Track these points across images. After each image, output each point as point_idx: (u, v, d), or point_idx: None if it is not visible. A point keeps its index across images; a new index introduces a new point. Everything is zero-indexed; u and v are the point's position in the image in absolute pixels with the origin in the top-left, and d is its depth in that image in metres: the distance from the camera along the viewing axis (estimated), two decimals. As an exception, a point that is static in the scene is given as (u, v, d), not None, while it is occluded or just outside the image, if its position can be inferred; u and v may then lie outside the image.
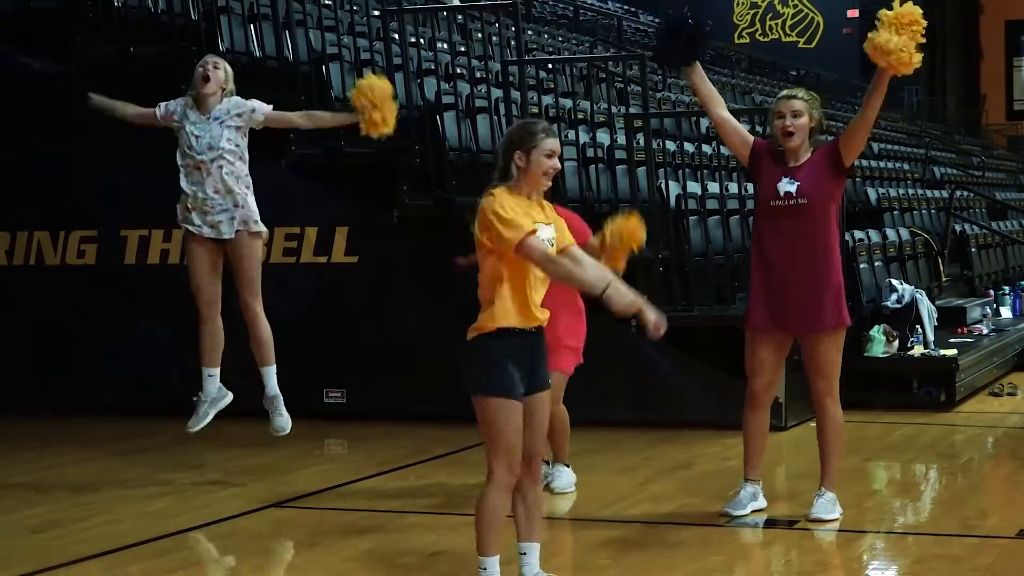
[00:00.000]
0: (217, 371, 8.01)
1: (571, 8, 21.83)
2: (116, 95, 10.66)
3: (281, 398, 8.05)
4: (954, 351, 10.99)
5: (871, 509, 7.40)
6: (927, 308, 11.29)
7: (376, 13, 12.20)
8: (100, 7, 11.00)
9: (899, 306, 11.25)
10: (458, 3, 13.60)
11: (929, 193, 17.87)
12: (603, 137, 10.95)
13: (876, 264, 11.97)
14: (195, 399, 8.07)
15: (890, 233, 13.11)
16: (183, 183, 7.82)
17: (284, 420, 8.04)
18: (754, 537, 6.84)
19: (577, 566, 6.16)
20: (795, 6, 34.00)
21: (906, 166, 19.73)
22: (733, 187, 10.97)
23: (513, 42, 11.94)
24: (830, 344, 6.80)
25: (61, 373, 10.91)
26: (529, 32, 16.12)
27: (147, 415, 10.34)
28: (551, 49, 16.31)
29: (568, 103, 12.03)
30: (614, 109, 11.90)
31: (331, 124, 8.31)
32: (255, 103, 7.86)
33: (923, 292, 11.56)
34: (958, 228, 15.85)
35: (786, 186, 6.73)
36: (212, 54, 8.08)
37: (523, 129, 5.42)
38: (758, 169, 6.88)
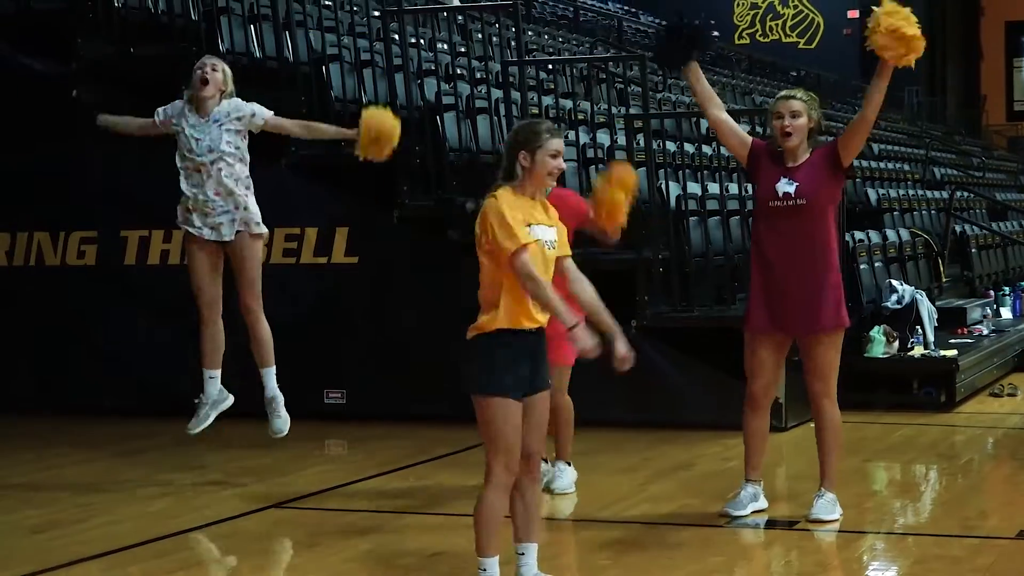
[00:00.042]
0: (218, 373, 8.00)
1: (571, 9, 21.83)
2: (116, 95, 10.73)
3: (281, 399, 8.05)
4: (954, 352, 10.99)
5: (871, 510, 7.40)
6: (927, 309, 11.29)
7: (376, 14, 12.21)
8: (100, 8, 11.00)
9: (899, 307, 11.25)
10: (458, 4, 13.60)
11: (929, 194, 17.88)
12: (603, 138, 10.95)
13: (876, 265, 11.98)
14: (196, 401, 8.07)
15: (890, 234, 13.11)
16: (183, 185, 7.81)
17: (282, 421, 8.03)
18: (754, 538, 6.84)
19: (577, 567, 6.16)
20: (795, 7, 34.01)
21: (906, 167, 19.74)
22: (733, 188, 10.97)
23: (513, 43, 11.95)
24: (828, 345, 6.80)
25: (61, 374, 10.91)
26: (529, 33, 16.12)
27: (147, 416, 10.34)
28: (551, 50, 16.31)
29: (568, 104, 12.03)
30: (614, 110, 11.90)
31: (330, 137, 8.23)
32: (256, 107, 7.85)
33: (923, 293, 11.56)
34: (958, 229, 15.86)
35: (785, 187, 6.73)
36: (210, 55, 8.04)
37: (528, 129, 5.42)
38: (756, 170, 6.88)
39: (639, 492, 7.75)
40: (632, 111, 12.40)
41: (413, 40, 11.80)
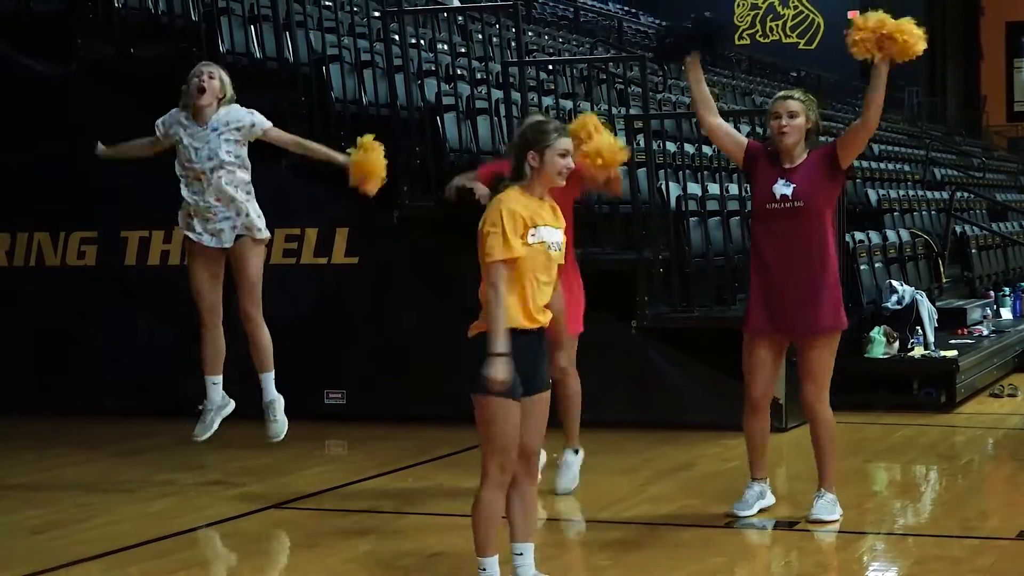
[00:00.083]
0: (220, 379, 7.98)
1: (571, 9, 21.83)
2: (117, 96, 10.75)
3: (280, 403, 8.01)
4: (954, 352, 10.99)
5: (871, 510, 7.40)
6: (927, 309, 11.29)
7: (376, 14, 12.20)
8: (100, 8, 11.00)
9: (899, 307, 11.25)
10: (458, 4, 13.60)
11: (929, 194, 17.88)
12: (603, 138, 10.92)
13: (876, 265, 11.98)
14: (200, 408, 8.04)
15: (890, 234, 13.11)
16: (184, 192, 7.77)
17: (280, 426, 7.99)
18: (755, 538, 6.84)
19: (577, 567, 6.16)
20: (795, 7, 34.00)
21: (906, 167, 19.74)
22: (733, 188, 10.97)
23: (513, 43, 11.94)
24: (825, 346, 6.78)
25: (61, 374, 10.91)
26: (529, 33, 16.12)
27: (147, 416, 10.34)
28: (551, 50, 16.31)
29: (568, 104, 12.03)
30: (614, 110, 11.89)
31: (319, 158, 8.05)
32: (256, 117, 7.78)
33: (923, 293, 11.56)
34: (958, 229, 15.86)
35: (782, 188, 6.72)
36: (207, 62, 7.96)
37: (536, 129, 5.43)
38: (753, 172, 6.87)
39: (639, 493, 7.75)
40: (632, 112, 12.39)
41: (413, 41, 11.81)
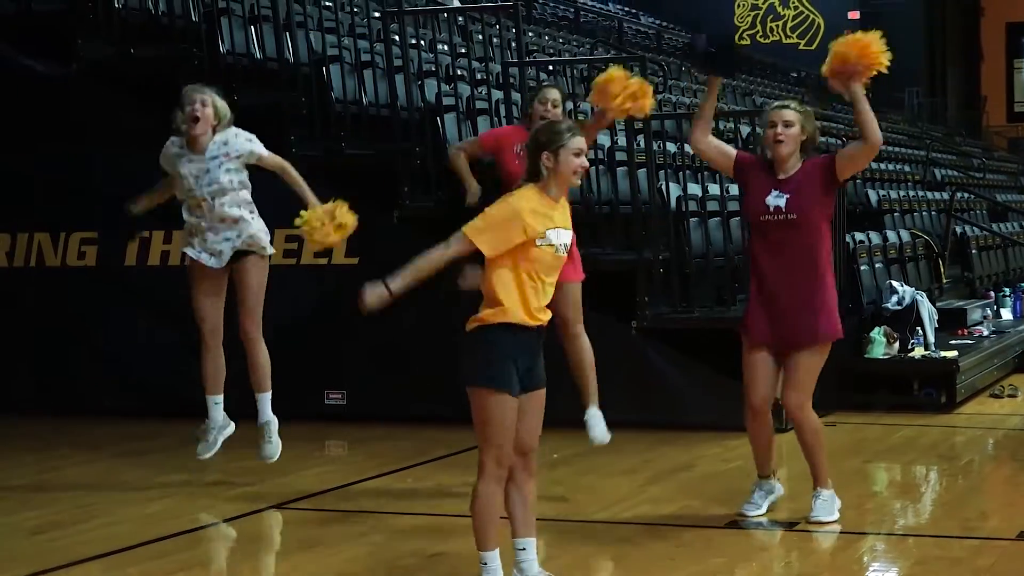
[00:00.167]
0: (221, 398, 7.95)
1: (572, 10, 21.84)
2: (117, 96, 10.74)
3: (275, 425, 7.96)
4: (955, 353, 10.99)
5: (871, 511, 7.40)
6: (928, 310, 11.29)
7: (376, 15, 12.20)
8: (101, 9, 11.00)
9: (900, 308, 11.25)
10: (458, 4, 13.60)
11: (930, 195, 17.88)
12: (604, 139, 10.94)
13: (877, 266, 11.98)
14: (202, 427, 7.99)
15: (891, 235, 13.12)
16: (185, 214, 7.73)
17: (274, 447, 7.94)
18: (755, 539, 6.83)
19: (578, 568, 6.16)
20: (795, 8, 34.04)
21: (907, 168, 19.74)
22: (734, 189, 10.96)
23: (514, 44, 11.94)
24: (815, 355, 6.76)
25: (61, 375, 10.91)
26: (530, 34, 16.12)
27: (147, 417, 10.34)
28: (552, 51, 16.31)
29: (569, 105, 12.01)
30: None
31: (297, 191, 7.76)
32: (254, 145, 7.67)
33: (924, 294, 11.57)
34: (959, 230, 15.87)
35: (774, 200, 6.68)
36: (199, 88, 7.71)
37: (549, 129, 5.45)
38: (746, 183, 6.85)
39: (639, 493, 7.75)
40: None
41: (413, 41, 11.81)
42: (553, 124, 5.52)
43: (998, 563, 6.21)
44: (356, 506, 7.52)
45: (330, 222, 7.23)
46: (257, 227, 7.76)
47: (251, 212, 7.74)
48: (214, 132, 7.63)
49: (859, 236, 12.02)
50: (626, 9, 28.73)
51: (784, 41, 33.70)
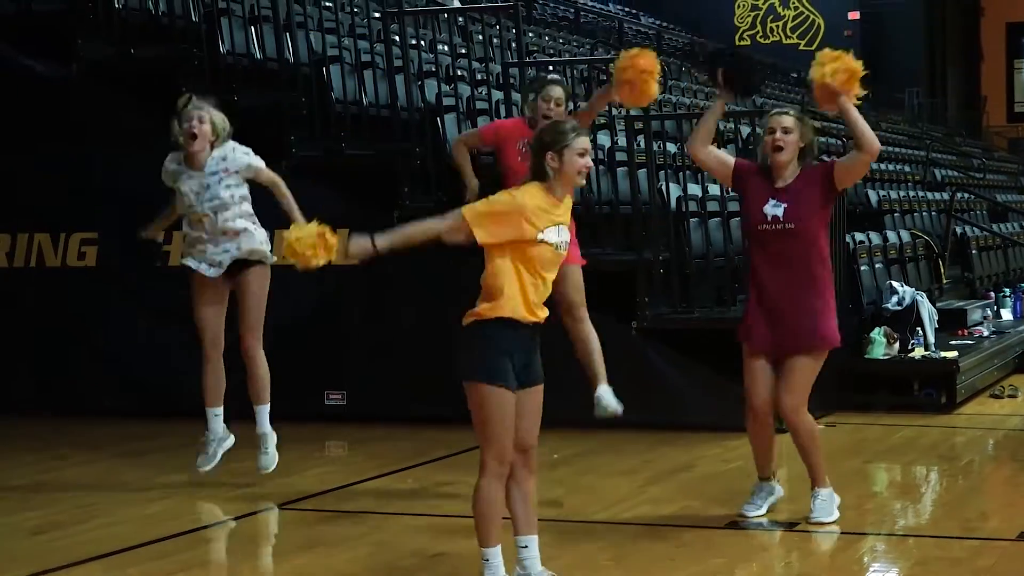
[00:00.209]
0: (221, 410, 7.94)
1: (572, 10, 21.85)
2: (117, 96, 10.74)
3: (273, 437, 7.96)
4: (955, 353, 10.99)
5: (872, 511, 7.40)
6: (928, 310, 11.29)
7: (377, 15, 12.21)
8: (101, 9, 11.00)
9: (900, 308, 11.25)
10: (459, 5, 13.60)
11: (930, 195, 17.89)
12: (604, 139, 10.95)
13: (877, 266, 11.98)
14: (202, 440, 7.99)
15: (891, 235, 13.11)
16: (185, 227, 7.73)
17: (270, 459, 7.93)
18: (755, 539, 6.83)
19: (578, 568, 6.16)
20: (796, 8, 34.04)
21: (907, 168, 19.75)
22: (734, 189, 10.97)
23: (514, 44, 11.95)
24: (812, 361, 6.76)
25: (61, 375, 10.91)
26: (530, 34, 16.13)
27: (148, 417, 10.34)
28: (552, 51, 16.31)
29: (569, 105, 12.01)
30: (615, 111, 11.89)
31: (285, 208, 7.76)
32: (252, 159, 7.66)
33: (924, 294, 11.57)
34: (959, 230, 15.87)
35: (772, 209, 6.67)
36: (197, 103, 7.65)
37: (553, 129, 5.46)
38: (744, 192, 6.83)
39: (639, 494, 7.75)
40: (633, 112, 12.39)
41: (413, 41, 11.81)
42: (558, 124, 5.53)
43: (998, 564, 6.21)
44: (356, 506, 7.51)
45: (318, 242, 7.32)
46: (259, 238, 7.77)
47: (253, 223, 7.74)
48: (212, 148, 7.62)
49: (859, 236, 12.02)
50: (626, 9, 28.74)
51: (784, 42, 33.71)
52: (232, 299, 7.85)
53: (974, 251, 15.59)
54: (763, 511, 7.00)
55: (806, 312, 6.69)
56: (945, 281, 13.97)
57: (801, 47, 33.16)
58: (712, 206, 10.47)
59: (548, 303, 5.48)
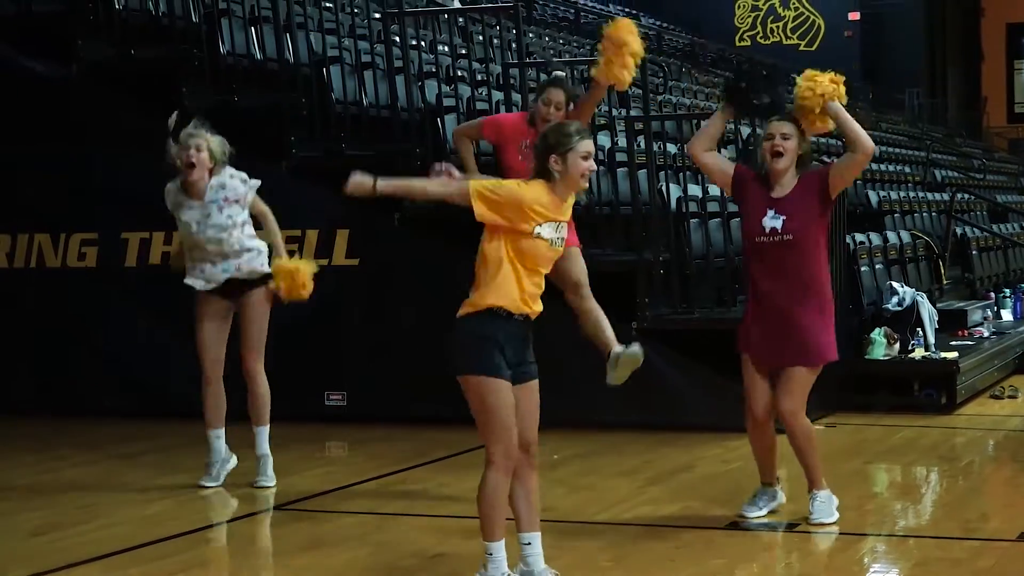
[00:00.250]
0: (223, 431, 7.95)
1: (572, 11, 21.84)
2: (117, 97, 10.74)
3: (270, 459, 7.98)
4: (955, 354, 10.99)
5: (872, 512, 7.40)
6: (928, 311, 11.29)
7: (377, 16, 12.21)
8: (101, 10, 11.01)
9: (900, 309, 11.25)
10: (459, 6, 13.60)
11: (930, 196, 17.89)
12: (604, 140, 10.94)
13: (877, 267, 11.98)
14: (206, 463, 7.99)
15: (891, 236, 13.11)
16: (187, 250, 7.77)
17: (267, 479, 7.92)
18: (755, 540, 6.83)
19: (578, 568, 6.15)
20: (796, 8, 34.03)
21: (907, 169, 19.75)
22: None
23: (514, 44, 11.95)
24: (807, 371, 6.77)
25: (61, 375, 10.91)
26: (530, 35, 16.13)
27: (148, 417, 10.34)
28: (552, 52, 16.30)
29: (570, 106, 12.01)
30: (615, 112, 11.90)
31: (271, 240, 7.92)
32: (249, 185, 7.70)
33: (924, 295, 11.56)
34: (959, 231, 15.86)
35: (771, 222, 6.65)
36: (193, 131, 7.66)
37: (557, 132, 5.47)
38: (743, 201, 6.82)
39: (640, 494, 7.75)
40: (633, 113, 12.40)
41: (414, 42, 11.81)
42: (561, 126, 5.53)
43: (999, 564, 6.21)
44: (356, 507, 7.52)
45: (301, 277, 7.60)
46: (261, 259, 7.80)
47: (254, 246, 7.76)
48: (211, 175, 7.64)
49: (859, 237, 12.01)
50: (626, 10, 28.71)
51: (784, 42, 33.69)
52: (234, 322, 7.88)
53: (974, 252, 15.58)
54: (763, 512, 7.00)
55: (803, 328, 6.68)
56: (945, 282, 13.96)
57: (801, 48, 33.16)
58: (712, 207, 10.47)
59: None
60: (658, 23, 28.37)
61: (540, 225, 5.34)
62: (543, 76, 12.86)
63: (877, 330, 10.90)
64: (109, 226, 10.77)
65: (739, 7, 34.39)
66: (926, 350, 11.06)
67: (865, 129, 6.77)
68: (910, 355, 10.94)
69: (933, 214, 16.70)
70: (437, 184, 5.44)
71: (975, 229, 16.37)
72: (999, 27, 36.87)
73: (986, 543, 6.57)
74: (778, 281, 6.68)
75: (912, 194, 17.35)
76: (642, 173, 10.11)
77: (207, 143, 7.62)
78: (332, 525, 7.11)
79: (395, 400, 10.11)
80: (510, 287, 5.32)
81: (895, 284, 11.57)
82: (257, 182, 7.78)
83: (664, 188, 10.31)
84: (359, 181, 5.45)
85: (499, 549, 5.38)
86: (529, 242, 5.33)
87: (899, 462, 8.92)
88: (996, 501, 7.93)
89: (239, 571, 6.61)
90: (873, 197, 15.25)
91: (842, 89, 6.75)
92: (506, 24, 13.46)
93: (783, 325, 6.68)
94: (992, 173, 25.56)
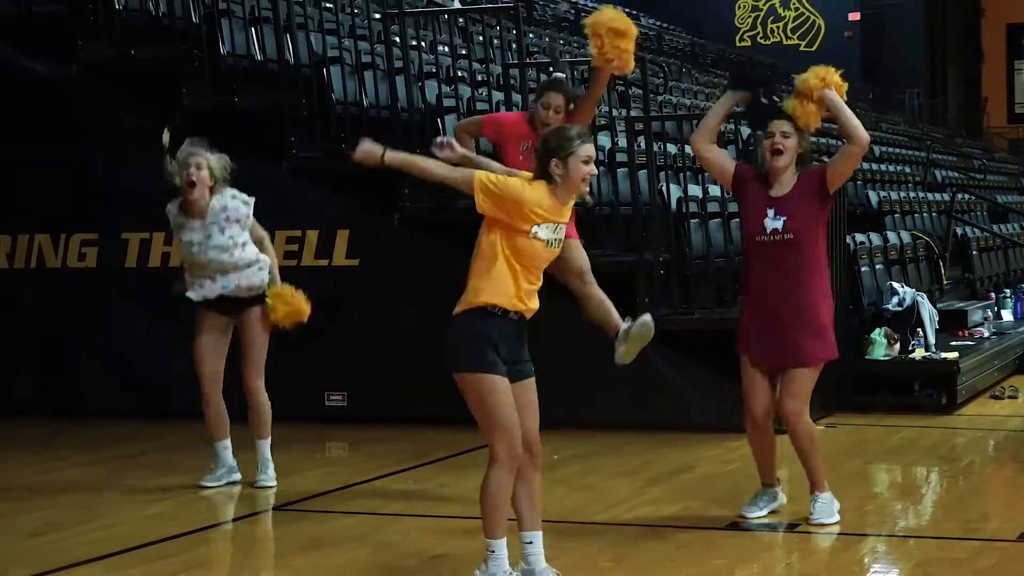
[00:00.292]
0: (229, 441, 7.97)
1: (572, 11, 21.83)
2: (117, 97, 10.74)
3: (271, 464, 7.98)
4: (955, 354, 10.99)
5: (872, 512, 7.40)
6: (928, 311, 11.29)
7: (377, 16, 12.20)
8: (101, 10, 11.01)
9: (900, 309, 11.25)
10: (459, 6, 13.60)
11: (930, 196, 17.88)
12: (604, 140, 10.94)
13: (877, 267, 11.98)
14: (212, 467, 8.00)
15: (891, 236, 13.11)
16: (187, 267, 7.77)
17: (267, 479, 7.93)
18: (755, 540, 6.83)
19: (578, 568, 6.15)
20: (796, 9, 34.03)
21: (907, 169, 19.75)
22: (734, 190, 10.96)
23: (514, 45, 11.94)
24: (809, 371, 6.77)
25: (61, 376, 10.91)
26: (530, 35, 16.12)
27: (148, 418, 10.34)
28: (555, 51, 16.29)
29: (570, 107, 12.00)
30: (615, 112, 11.89)
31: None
32: (250, 209, 7.71)
33: (924, 295, 11.56)
34: (959, 231, 15.86)
35: (772, 223, 6.65)
36: (193, 150, 7.66)
37: (558, 136, 5.46)
38: (743, 200, 6.82)
39: (640, 495, 7.75)
40: (633, 113, 12.40)
41: (414, 42, 11.80)
42: (562, 130, 5.53)
43: (999, 564, 6.21)
44: (357, 507, 7.51)
45: (294, 305, 7.67)
46: (261, 276, 7.79)
47: (254, 263, 7.75)
48: (211, 193, 7.65)
49: (860, 237, 12.01)
50: (626, 10, 28.70)
51: (785, 43, 33.69)
52: (235, 339, 7.89)
53: (974, 252, 15.58)
54: (763, 513, 7.00)
55: (802, 328, 6.67)
56: (946, 282, 13.96)
57: (801, 48, 33.16)
58: (712, 207, 10.47)
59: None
60: (658, 23, 28.36)
61: (538, 226, 5.34)
62: (543, 76, 12.89)
63: (877, 330, 10.90)
64: (109, 226, 10.77)
65: (739, 7, 34.39)
66: (926, 350, 11.06)
67: (865, 129, 6.77)
68: (910, 355, 10.94)
69: (933, 214, 16.70)
70: (445, 168, 5.44)
71: (975, 229, 16.37)
72: (999, 27, 36.87)
73: (986, 543, 6.57)
74: (777, 280, 6.68)
75: (912, 194, 17.35)
76: (642, 173, 10.11)
77: (207, 161, 7.62)
78: (332, 525, 7.11)
79: (395, 400, 10.12)
80: (505, 284, 5.32)
81: (895, 284, 11.57)
82: (253, 198, 7.77)
83: (664, 188, 10.31)
84: (369, 149, 5.46)
85: (501, 547, 5.38)
86: (525, 241, 5.34)
87: (899, 462, 8.92)
88: (996, 501, 7.93)
89: (240, 571, 6.61)
90: (873, 197, 15.25)
91: (843, 88, 6.76)
92: (506, 24, 13.46)
93: (783, 324, 6.68)
94: (992, 173, 25.56)
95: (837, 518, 6.86)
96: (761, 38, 34.00)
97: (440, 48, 12.25)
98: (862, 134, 6.63)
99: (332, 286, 10.29)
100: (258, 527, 7.36)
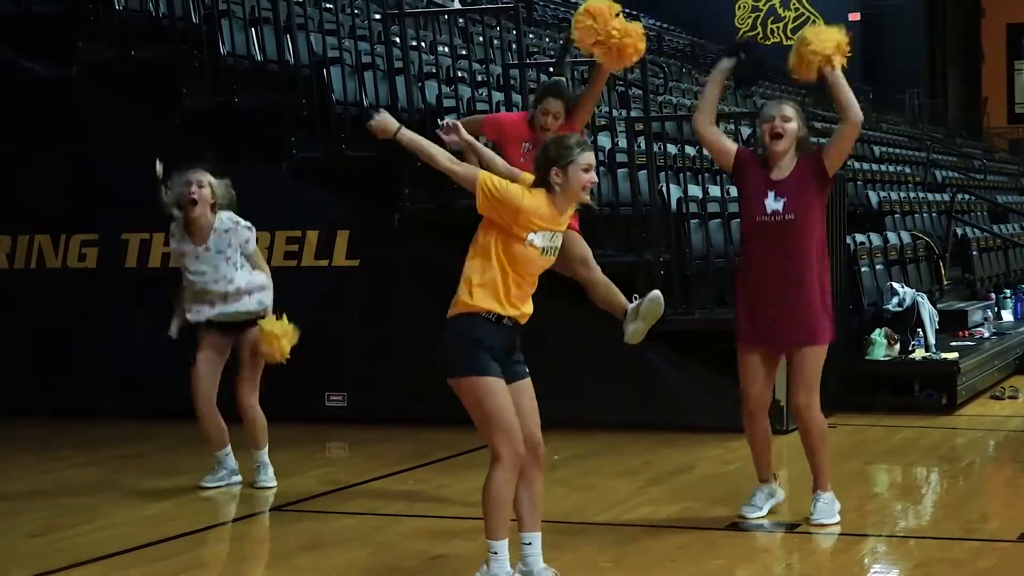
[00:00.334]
0: (229, 447, 7.98)
1: (572, 11, 21.82)
2: (118, 98, 10.74)
3: (270, 467, 8.00)
4: (955, 354, 10.99)
5: (872, 512, 7.40)
6: (928, 311, 11.29)
7: (377, 17, 12.20)
8: (101, 11, 11.00)
9: (900, 309, 11.25)
10: (459, 6, 13.59)
11: (930, 196, 17.88)
12: (604, 140, 10.94)
13: (877, 267, 11.98)
14: (214, 468, 8.00)
15: (891, 236, 13.11)
16: (187, 287, 7.80)
17: (267, 480, 7.95)
18: (756, 541, 6.83)
19: (578, 568, 6.16)
20: (796, 9, 34.03)
21: (907, 169, 19.74)
22: (734, 190, 10.93)
23: (514, 45, 11.94)
24: (816, 355, 6.77)
25: (61, 376, 10.91)
26: (530, 35, 16.12)
27: (148, 418, 10.34)
28: (552, 52, 16.29)
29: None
30: (615, 112, 11.89)
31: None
32: (252, 235, 7.74)
33: (924, 295, 11.56)
34: (959, 231, 15.86)
35: (772, 204, 6.68)
36: (194, 170, 7.67)
37: (558, 144, 5.46)
38: (743, 183, 6.84)
39: (640, 495, 7.75)
40: (633, 114, 12.40)
41: (414, 43, 11.80)
42: (562, 139, 5.53)
43: (999, 565, 6.21)
44: (357, 508, 7.52)
45: (276, 347, 7.62)
46: (260, 297, 7.80)
47: (256, 283, 7.77)
48: (213, 210, 7.65)
49: (860, 238, 12.01)
50: (626, 11, 28.68)
51: (785, 43, 33.64)
52: (232, 355, 7.90)
53: (975, 252, 15.58)
54: (763, 512, 7.00)
55: (804, 305, 6.69)
56: (946, 282, 13.96)
57: (802, 48, 33.13)
58: (712, 207, 10.47)
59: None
60: (658, 23, 28.35)
61: (534, 234, 5.34)
62: (544, 77, 12.89)
63: (877, 331, 10.90)
64: (109, 227, 10.77)
65: (739, 8, 34.39)
66: (926, 351, 11.06)
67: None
68: (910, 356, 10.94)
69: (933, 214, 16.70)
70: (451, 160, 5.42)
71: (975, 230, 16.37)
72: (999, 27, 36.85)
73: (986, 544, 6.57)
74: (777, 260, 6.69)
75: (912, 194, 17.35)
76: (642, 174, 10.11)
77: (208, 178, 7.64)
78: (332, 525, 7.11)
79: (395, 400, 10.11)
80: (497, 289, 5.32)
81: (895, 285, 11.57)
82: (254, 228, 7.80)
83: (664, 189, 10.31)
84: (386, 121, 5.49)
85: (503, 548, 5.38)
86: (521, 248, 5.33)
87: (899, 463, 8.92)
88: (996, 502, 7.93)
89: (240, 571, 6.61)
90: (873, 197, 15.24)
91: (845, 48, 6.75)
92: (506, 25, 13.45)
93: (782, 305, 6.69)
94: (992, 174, 25.55)
95: (838, 519, 6.86)
96: (761, 38, 33.98)
97: (440, 48, 12.25)
98: (856, 111, 6.66)
99: (332, 286, 10.30)
100: (258, 527, 7.37)
